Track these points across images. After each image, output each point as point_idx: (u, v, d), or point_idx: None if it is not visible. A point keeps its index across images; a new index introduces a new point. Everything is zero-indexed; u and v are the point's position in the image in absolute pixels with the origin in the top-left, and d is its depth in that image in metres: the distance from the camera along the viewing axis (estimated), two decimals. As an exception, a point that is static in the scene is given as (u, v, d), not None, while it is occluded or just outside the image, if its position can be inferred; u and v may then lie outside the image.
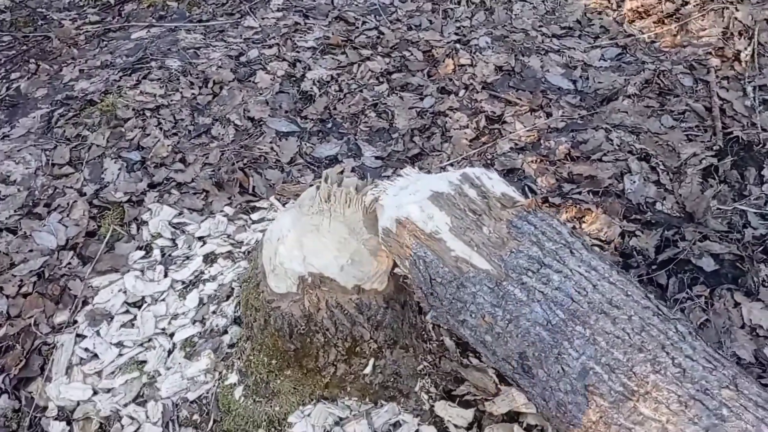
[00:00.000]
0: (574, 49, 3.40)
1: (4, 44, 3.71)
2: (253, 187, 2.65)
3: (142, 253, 2.38)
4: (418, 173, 1.81)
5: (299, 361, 1.87)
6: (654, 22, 3.52)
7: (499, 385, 1.97)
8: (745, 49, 3.19)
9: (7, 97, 3.27)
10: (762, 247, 2.43)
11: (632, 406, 1.30)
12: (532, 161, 2.79)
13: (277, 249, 1.81)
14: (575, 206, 2.57)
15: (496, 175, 1.74)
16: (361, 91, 3.16)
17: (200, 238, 2.41)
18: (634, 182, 2.64)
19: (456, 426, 1.91)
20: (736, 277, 2.32)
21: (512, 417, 1.93)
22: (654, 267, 2.37)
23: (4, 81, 3.41)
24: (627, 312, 1.43)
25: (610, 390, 1.33)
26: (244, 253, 2.34)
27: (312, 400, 1.89)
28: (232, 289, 2.19)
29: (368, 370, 1.88)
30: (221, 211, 2.54)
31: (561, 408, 1.42)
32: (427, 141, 2.91)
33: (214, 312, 2.13)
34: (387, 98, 3.11)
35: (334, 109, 3.06)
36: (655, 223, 2.52)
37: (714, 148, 2.77)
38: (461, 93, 3.15)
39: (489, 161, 2.81)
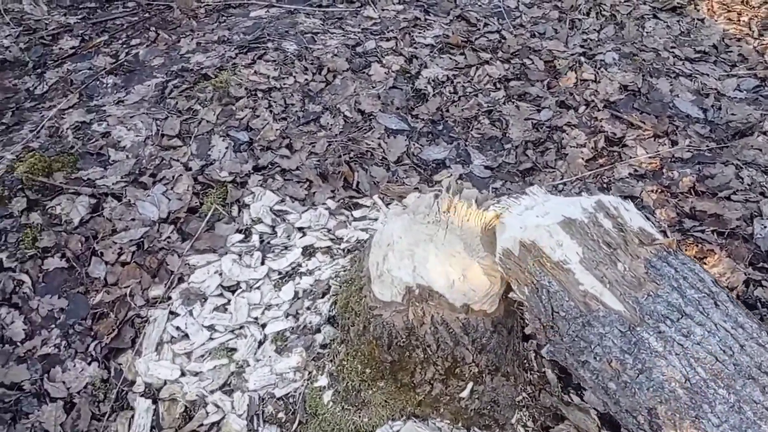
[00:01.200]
0: (708, 75, 3.17)
1: (128, 10, 3.78)
2: (358, 182, 2.58)
3: (241, 236, 2.35)
4: (546, 194, 1.69)
5: (394, 374, 1.79)
6: (800, 56, 3.25)
7: (601, 429, 1.83)
8: None
9: (125, 63, 3.32)
10: None
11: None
12: (652, 191, 2.61)
13: (387, 255, 1.72)
14: (697, 245, 2.38)
15: (634, 207, 1.60)
16: (476, 95, 3.04)
17: (300, 229, 2.36)
18: (765, 227, 2.43)
19: (549, 467, 1.78)
20: None
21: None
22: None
23: (125, 46, 3.47)
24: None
25: (757, 471, 1.18)
26: (343, 250, 2.27)
27: (402, 416, 1.80)
28: (329, 286, 2.12)
29: (465, 393, 1.77)
30: (323, 203, 2.48)
31: (690, 478, 1.27)
32: (541, 156, 2.77)
33: (308, 308, 2.07)
34: (503, 106, 2.98)
35: (447, 111, 2.95)
36: None
37: None
38: (581, 109, 2.98)
39: (605, 185, 2.64)
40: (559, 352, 1.49)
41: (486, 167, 2.72)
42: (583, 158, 2.75)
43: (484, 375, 1.77)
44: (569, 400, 1.90)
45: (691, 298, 1.38)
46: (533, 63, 3.20)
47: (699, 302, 1.37)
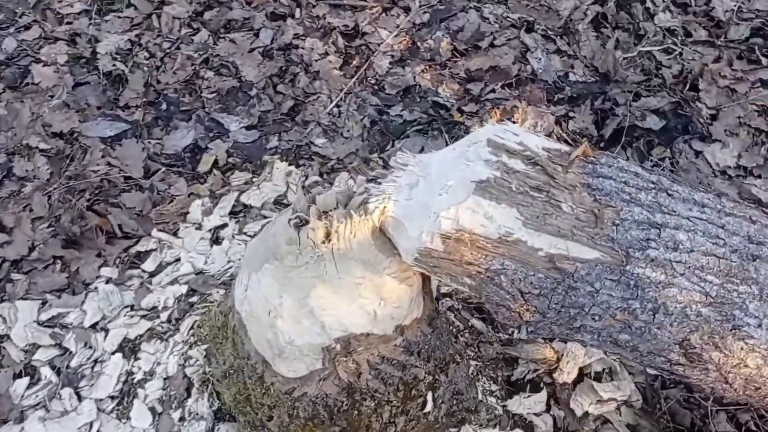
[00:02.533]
0: None
1: None
2: (119, 225, 1.98)
3: (26, 381, 1.69)
4: (419, 158, 1.35)
5: (350, 440, 1.43)
6: None
7: (555, 350, 1.70)
8: None
9: None
10: (683, 83, 2.32)
11: None
12: (422, 72, 2.39)
13: (275, 326, 1.30)
14: (497, 108, 2.25)
15: (511, 124, 1.35)
16: (178, 48, 2.47)
17: (95, 327, 1.76)
18: (540, 59, 2.37)
19: (537, 415, 1.62)
20: (685, 124, 2.20)
21: (581, 375, 1.68)
22: (604, 144, 2.17)
23: None
24: (773, 244, 1.18)
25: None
26: (169, 321, 1.74)
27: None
28: (188, 378, 1.62)
29: (429, 407, 1.49)
30: (98, 277, 1.87)
31: (752, 385, 1.17)
32: (293, 85, 2.37)
33: (182, 419, 1.57)
34: (216, 47, 2.46)
35: (158, 83, 2.36)
36: (578, 97, 2.29)
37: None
38: (297, 13, 2.58)
39: (376, 87, 2.36)
40: (542, 329, 1.25)
41: (247, 128, 2.26)
42: (336, 68, 2.41)
43: (437, 377, 1.49)
44: (510, 338, 1.72)
45: (649, 203, 1.20)
46: (215, -17, 2.66)
47: (658, 204, 1.20)
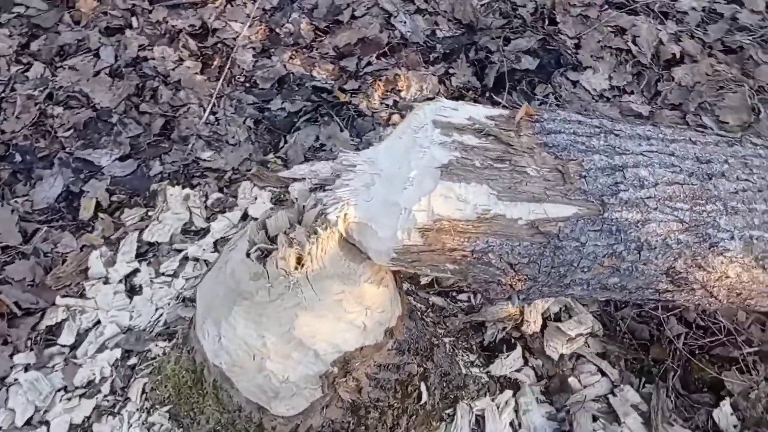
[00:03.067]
0: None
1: None
2: (16, 303, 1.74)
3: None
4: (363, 156, 1.29)
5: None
6: None
7: (517, 305, 1.72)
8: None
9: None
10: (542, 19, 2.40)
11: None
12: (290, 58, 2.28)
13: (264, 368, 1.21)
14: (378, 80, 2.21)
15: (444, 99, 1.32)
16: (13, 89, 2.18)
17: (31, 423, 1.55)
18: (404, 22, 2.35)
19: (518, 371, 1.65)
20: (557, 58, 2.28)
21: (543, 321, 1.73)
22: (489, 95, 2.21)
23: None
24: (718, 159, 1.25)
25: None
26: (114, 394, 1.57)
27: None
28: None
29: (425, 397, 1.47)
30: (13, 367, 1.64)
31: (734, 292, 1.25)
32: (157, 102, 2.18)
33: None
34: (57, 79, 2.20)
35: (3, 133, 2.07)
36: (452, 52, 2.32)
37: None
38: (134, 22, 2.37)
39: (248, 84, 2.23)
40: (533, 294, 1.26)
41: (120, 159, 2.06)
42: (196, 72, 2.24)
43: (426, 365, 1.46)
44: (468, 305, 1.73)
45: (604, 148, 1.23)
46: None
47: (611, 147, 1.23)
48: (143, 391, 1.55)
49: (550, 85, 2.19)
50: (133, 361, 1.61)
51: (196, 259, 1.79)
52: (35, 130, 2.07)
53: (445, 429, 1.54)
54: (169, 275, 1.76)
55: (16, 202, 1.92)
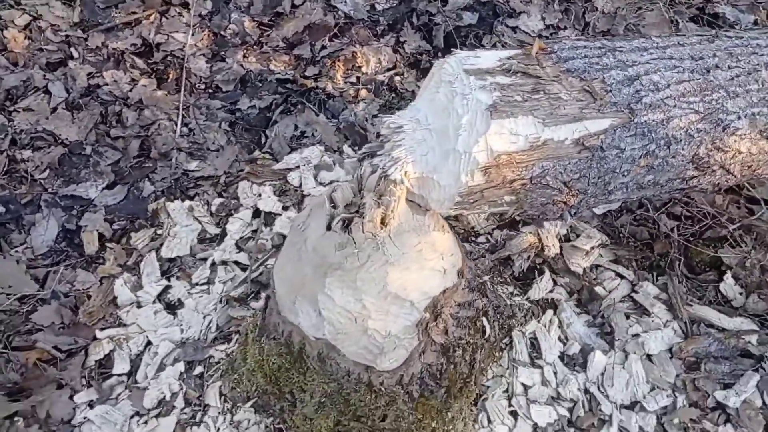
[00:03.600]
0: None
1: None
2: (56, 347, 1.71)
3: None
4: (405, 116, 1.37)
5: (455, 394, 1.48)
6: None
7: (534, 231, 1.87)
8: None
9: None
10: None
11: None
12: (244, 57, 2.31)
13: (368, 329, 1.29)
14: (337, 61, 2.29)
15: (458, 51, 1.43)
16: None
17: None
18: (344, 1, 2.42)
19: (551, 291, 1.80)
20: (493, 9, 2.43)
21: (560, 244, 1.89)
22: (441, 55, 2.33)
23: None
24: (708, 54, 1.43)
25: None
26: (190, 405, 1.59)
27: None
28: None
29: (488, 330, 1.59)
30: (76, 408, 1.62)
31: (746, 166, 1.44)
32: (125, 125, 2.16)
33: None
34: (15, 123, 2.13)
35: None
36: (395, 21, 2.41)
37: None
38: (75, 53, 2.32)
39: (210, 90, 2.24)
40: (582, 206, 1.40)
41: (108, 188, 2.03)
42: (154, 89, 2.23)
43: (483, 301, 1.58)
44: (494, 244, 1.86)
45: (616, 64, 1.38)
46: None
47: (622, 62, 1.38)
48: (221, 394, 1.57)
49: (494, 35, 2.34)
50: (198, 370, 1.63)
51: (225, 263, 1.82)
52: (10, 178, 2.00)
53: (507, 356, 1.67)
54: (203, 284, 1.78)
55: (17, 252, 1.86)
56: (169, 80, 2.26)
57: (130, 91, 2.21)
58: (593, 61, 1.36)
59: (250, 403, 1.54)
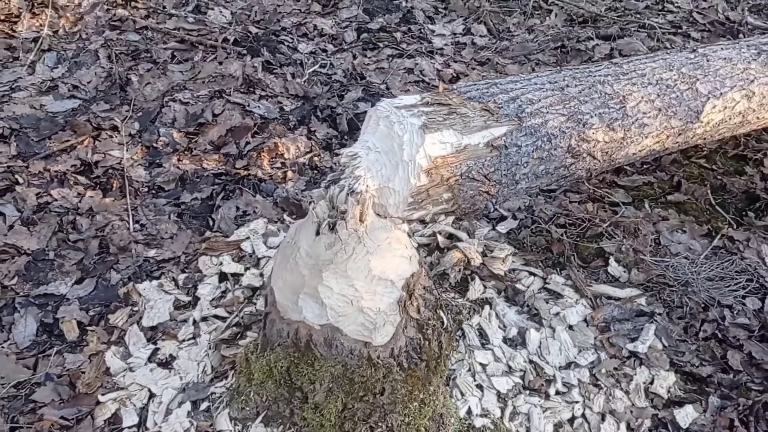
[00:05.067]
0: None
1: None
2: (62, 418, 1.85)
3: None
4: (357, 147, 1.77)
5: (433, 370, 1.80)
6: None
7: (459, 249, 2.28)
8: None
9: None
10: (354, 77, 3.09)
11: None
12: (181, 161, 2.65)
13: (362, 308, 1.61)
14: (262, 152, 2.68)
15: (385, 99, 1.88)
16: None
17: None
18: (258, 106, 2.85)
19: (484, 292, 2.19)
20: (380, 98, 2.96)
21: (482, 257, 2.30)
22: (346, 137, 2.80)
23: None
24: (561, 80, 1.98)
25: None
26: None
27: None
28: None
29: (445, 321, 1.93)
30: None
31: (605, 153, 1.95)
32: (78, 229, 2.39)
33: None
34: None
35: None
36: (291, 120, 2.86)
37: None
38: (20, 179, 2.55)
39: (153, 193, 2.54)
40: (500, 197, 1.84)
41: (77, 282, 2.23)
42: (101, 198, 2.50)
43: (435, 293, 1.94)
44: (431, 264, 2.23)
45: (499, 91, 1.88)
46: None
47: (502, 90, 1.89)
48: (231, 419, 1.78)
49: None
50: (204, 405, 1.83)
51: (205, 319, 2.06)
52: (-22, 290, 2.15)
53: (463, 344, 2.01)
54: (190, 339, 2.00)
55: (2, 347, 1.99)
56: (114, 189, 2.53)
57: (80, 202, 2.45)
58: (484, 91, 1.85)
59: (259, 419, 1.76)
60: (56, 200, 2.46)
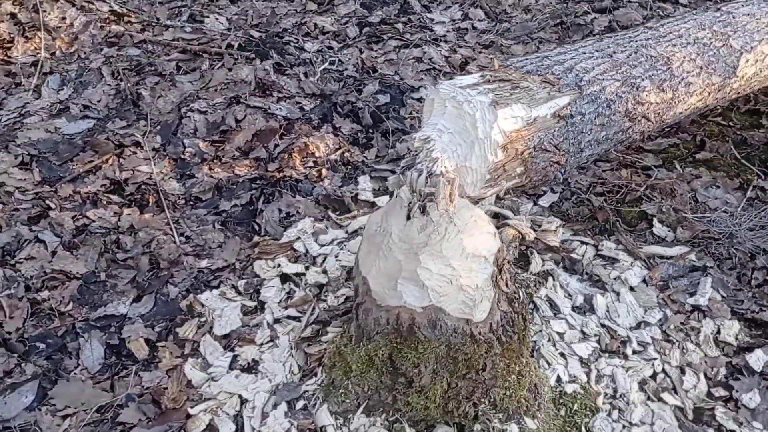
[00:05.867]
0: None
1: None
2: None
3: None
4: (429, 129, 1.78)
5: (523, 342, 1.82)
6: None
7: (511, 226, 2.31)
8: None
9: None
10: (366, 71, 3.09)
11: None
12: (212, 169, 2.63)
13: (462, 285, 1.63)
14: (293, 153, 2.67)
15: (442, 81, 1.90)
16: None
17: None
18: (279, 108, 2.84)
19: (543, 265, 2.22)
20: (398, 89, 2.97)
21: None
22: (371, 130, 2.81)
23: None
24: (607, 46, 2.02)
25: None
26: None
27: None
28: None
29: (520, 294, 1.96)
30: None
31: (657, 114, 2.00)
32: (124, 251, 2.35)
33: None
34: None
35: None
36: (313, 119, 2.87)
37: None
38: (52, 204, 2.49)
39: (193, 202, 2.51)
40: (568, 166, 1.87)
41: (136, 300, 2.19)
42: (140, 214, 2.46)
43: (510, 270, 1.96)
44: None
45: (553, 62, 1.91)
46: None
47: (556, 61, 1.92)
48: (331, 413, 1.78)
49: (406, 106, 2.86)
50: (300, 404, 1.82)
51: (278, 320, 2.04)
52: (38, 321, 2.09)
53: (537, 316, 2.04)
54: (268, 342, 1.98)
55: (75, 374, 1.95)
56: (150, 204, 2.48)
57: (118, 221, 2.41)
58: (539, 64, 1.88)
59: (360, 410, 1.76)
60: (94, 221, 2.41)
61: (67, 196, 2.51)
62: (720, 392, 1.94)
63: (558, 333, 2.02)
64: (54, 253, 2.29)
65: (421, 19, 3.53)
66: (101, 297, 2.18)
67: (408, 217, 1.61)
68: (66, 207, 2.47)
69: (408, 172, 1.69)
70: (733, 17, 2.23)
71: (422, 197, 1.62)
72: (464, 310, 1.63)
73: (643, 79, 1.95)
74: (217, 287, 2.21)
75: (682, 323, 2.11)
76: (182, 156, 2.68)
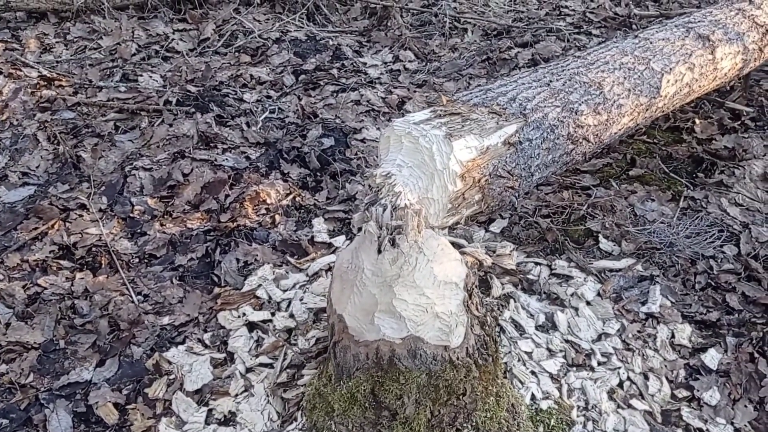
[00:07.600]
0: None
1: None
2: None
3: None
4: (387, 167, 1.85)
5: (497, 363, 1.88)
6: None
7: (470, 255, 2.38)
8: None
9: None
10: (307, 116, 3.16)
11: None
12: (164, 225, 2.61)
13: (437, 313, 1.68)
14: (244, 202, 2.69)
15: (396, 119, 1.98)
16: None
17: None
18: (226, 159, 2.86)
19: (503, 288, 2.30)
20: (340, 131, 3.04)
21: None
22: (318, 173, 2.86)
23: None
24: (543, 76, 2.15)
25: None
26: None
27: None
28: None
29: (488, 318, 2.03)
30: None
31: (596, 135, 2.13)
32: (81, 316, 2.30)
33: None
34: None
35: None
36: (260, 167, 2.90)
37: None
38: (-2, 275, 2.41)
39: (147, 261, 2.49)
40: (521, 190, 1.97)
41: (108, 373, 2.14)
42: (93, 276, 2.42)
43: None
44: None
45: (496, 94, 2.02)
46: None
47: (500, 93, 2.04)
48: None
49: (350, 147, 2.93)
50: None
51: (250, 369, 2.03)
52: (-3, 394, 2.02)
53: (504, 338, 2.11)
54: (243, 392, 1.97)
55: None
56: (103, 266, 2.44)
57: (72, 286, 2.35)
58: (484, 96, 1.98)
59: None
60: (46, 288, 2.34)
61: (15, 265, 2.44)
62: (683, 393, 2.04)
63: (526, 352, 2.08)
64: (8, 325, 2.22)
65: (354, 64, 3.63)
66: (63, 365, 2.12)
67: (379, 251, 1.65)
68: (15, 276, 2.40)
69: (372, 208, 1.73)
70: (651, 42, 2.41)
71: (390, 230, 1.67)
72: (441, 336, 1.68)
73: (580, 104, 2.07)
74: (183, 343, 2.17)
75: (638, 331, 2.21)
76: (131, 215, 2.65)
